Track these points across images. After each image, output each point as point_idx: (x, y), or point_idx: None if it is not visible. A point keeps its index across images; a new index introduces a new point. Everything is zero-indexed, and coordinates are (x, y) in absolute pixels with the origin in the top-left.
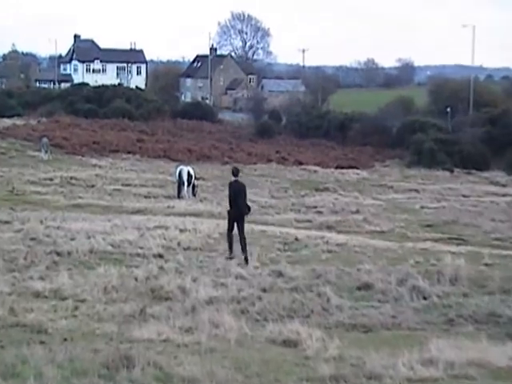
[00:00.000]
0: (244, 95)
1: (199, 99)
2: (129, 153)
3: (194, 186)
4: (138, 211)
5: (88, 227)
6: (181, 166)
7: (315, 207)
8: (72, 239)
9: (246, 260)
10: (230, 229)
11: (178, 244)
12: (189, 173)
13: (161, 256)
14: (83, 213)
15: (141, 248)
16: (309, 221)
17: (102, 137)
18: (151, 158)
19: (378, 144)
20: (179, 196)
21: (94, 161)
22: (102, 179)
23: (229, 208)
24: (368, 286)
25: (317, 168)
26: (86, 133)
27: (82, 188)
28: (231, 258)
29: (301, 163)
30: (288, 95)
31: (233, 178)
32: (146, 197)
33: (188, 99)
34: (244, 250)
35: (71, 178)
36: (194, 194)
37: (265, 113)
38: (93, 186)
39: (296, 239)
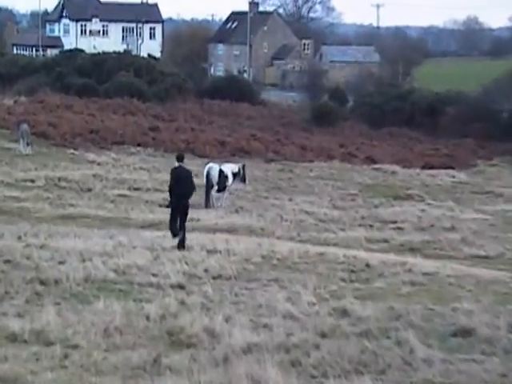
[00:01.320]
0: (296, 67)
1: (235, 73)
2: (138, 145)
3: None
4: (150, 225)
5: (82, 246)
6: (210, 164)
7: (394, 222)
8: (61, 263)
9: (182, 246)
10: (174, 217)
11: (205, 271)
12: (221, 173)
13: (181, 287)
14: (76, 227)
15: (154, 275)
16: (385, 240)
17: (102, 123)
18: (169, 152)
19: (482, 135)
20: (207, 205)
21: (90, 156)
22: (101, 181)
23: (170, 198)
24: (468, 331)
25: (396, 168)
26: (80, 118)
27: (74, 193)
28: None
29: (374, 161)
30: (357, 67)
31: (176, 164)
32: (161, 205)
33: (219, 73)
34: (181, 243)
35: (60, 178)
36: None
37: (325, 91)
38: (89, 191)
39: (367, 266)
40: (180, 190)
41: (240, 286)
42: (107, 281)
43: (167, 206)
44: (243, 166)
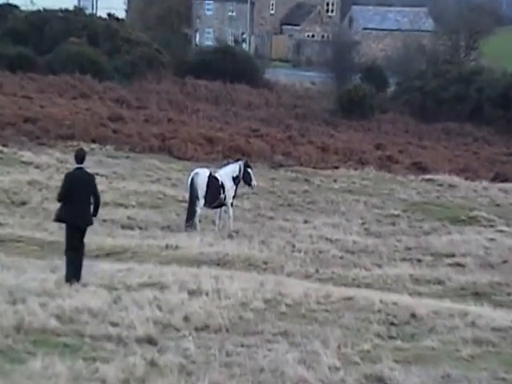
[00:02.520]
0: (316, 36)
1: (230, 42)
2: (93, 141)
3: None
4: (108, 254)
5: (13, 283)
6: (196, 170)
7: (451, 256)
8: None
9: (76, 279)
10: (69, 241)
11: (185, 319)
12: (213, 181)
13: (151, 341)
14: (4, 254)
15: (113, 325)
16: (438, 281)
17: (42, 110)
18: (136, 152)
19: None
20: (188, 225)
21: (25, 155)
22: (40, 191)
23: (61, 211)
24: None
25: (455, 179)
26: (11, 101)
27: (1, 206)
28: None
29: (424, 169)
30: (401, 38)
31: (75, 166)
32: (125, 227)
33: (208, 42)
34: (77, 272)
35: None
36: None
37: (356, 71)
38: (23, 204)
39: (413, 316)
40: (78, 202)
41: (234, 341)
42: (47, 331)
43: (56, 220)
44: (246, 163)
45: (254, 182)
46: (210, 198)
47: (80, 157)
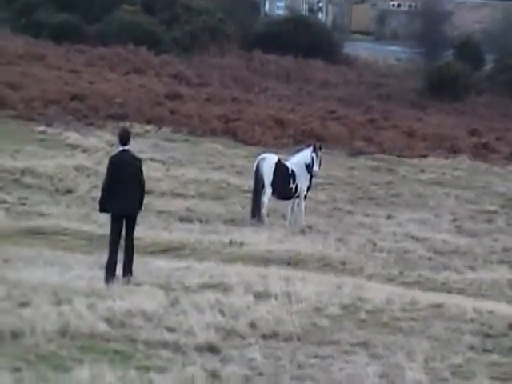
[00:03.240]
0: (402, 6)
1: (303, 12)
2: (149, 122)
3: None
4: (165, 250)
5: (57, 281)
6: (262, 155)
7: None
8: (23, 305)
9: (129, 271)
10: (115, 233)
11: (251, 326)
12: (282, 169)
13: (213, 350)
14: (48, 248)
15: (170, 330)
16: None
17: (90, 86)
18: (197, 135)
19: None
20: (255, 217)
21: (72, 136)
22: (88, 177)
23: (103, 199)
24: None
25: None
26: (56, 76)
27: (45, 195)
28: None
29: None
30: (500, 7)
31: (120, 148)
32: (183, 220)
33: (279, 11)
34: (128, 269)
35: (23, 172)
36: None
37: (448, 46)
38: (69, 192)
39: (511, 327)
40: (125, 188)
41: (307, 351)
42: (95, 336)
43: (101, 210)
44: (314, 147)
45: (315, 168)
46: (278, 188)
47: (124, 137)
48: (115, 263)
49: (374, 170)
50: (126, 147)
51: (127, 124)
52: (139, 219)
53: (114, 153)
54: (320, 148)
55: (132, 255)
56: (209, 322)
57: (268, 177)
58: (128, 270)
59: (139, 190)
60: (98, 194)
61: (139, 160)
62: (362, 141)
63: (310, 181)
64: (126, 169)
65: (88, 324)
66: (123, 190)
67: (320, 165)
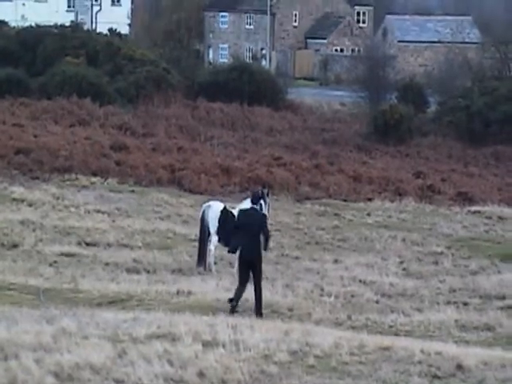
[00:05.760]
0: (346, 51)
1: (247, 59)
2: (94, 174)
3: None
4: (112, 302)
5: (4, 335)
6: (209, 203)
7: (502, 298)
8: None
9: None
10: (243, 274)
11: (200, 375)
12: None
13: None
14: None
15: (119, 382)
16: (488, 328)
17: (35, 139)
18: (143, 185)
19: None
20: (200, 264)
21: (17, 191)
22: (34, 231)
23: (232, 247)
24: None
25: (506, 211)
26: (0, 130)
27: None
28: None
29: (470, 200)
30: (442, 51)
31: (248, 206)
32: (130, 271)
33: (223, 59)
34: (258, 309)
35: None
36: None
37: (391, 89)
38: (15, 247)
39: (459, 368)
40: (247, 242)
41: None
42: None
43: (230, 251)
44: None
45: (266, 209)
46: (224, 236)
47: (256, 196)
48: (240, 296)
49: (320, 215)
50: (255, 206)
51: (72, 176)
52: (86, 272)
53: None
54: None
55: (261, 297)
56: (157, 372)
57: (213, 224)
58: (259, 306)
59: (260, 239)
60: (44, 247)
61: (264, 216)
62: (309, 186)
63: None
64: (250, 222)
65: (36, 379)
66: (247, 239)
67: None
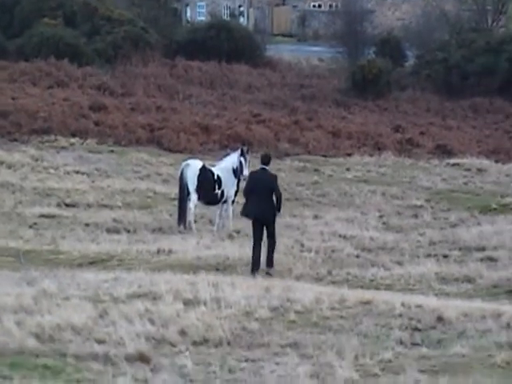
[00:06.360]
0: (323, 6)
1: (225, 17)
2: (73, 135)
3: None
4: (93, 262)
5: None
6: (187, 161)
7: (482, 249)
8: None
9: (269, 273)
10: (256, 233)
11: (182, 333)
12: (207, 174)
13: (144, 359)
14: None
15: (100, 342)
16: (468, 279)
17: (13, 101)
18: (122, 145)
19: None
20: (180, 223)
21: None
22: (13, 193)
23: (244, 210)
24: None
25: (485, 163)
26: None
27: None
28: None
29: (449, 153)
30: (419, 4)
31: (259, 166)
32: (110, 231)
33: (201, 17)
34: (270, 260)
35: None
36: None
37: (368, 44)
38: None
39: (439, 320)
40: (258, 203)
41: (237, 355)
42: (25, 352)
43: (242, 214)
44: (241, 151)
45: (245, 172)
46: (204, 194)
47: (265, 160)
48: (259, 257)
49: (300, 171)
50: (266, 167)
51: (51, 138)
52: (66, 233)
53: (254, 169)
54: (247, 151)
55: (273, 248)
56: (138, 331)
57: (192, 183)
58: (270, 259)
59: (272, 200)
60: (23, 209)
61: (275, 177)
62: (288, 142)
63: (238, 185)
64: (262, 183)
65: (17, 340)
66: (259, 200)
67: (249, 168)
